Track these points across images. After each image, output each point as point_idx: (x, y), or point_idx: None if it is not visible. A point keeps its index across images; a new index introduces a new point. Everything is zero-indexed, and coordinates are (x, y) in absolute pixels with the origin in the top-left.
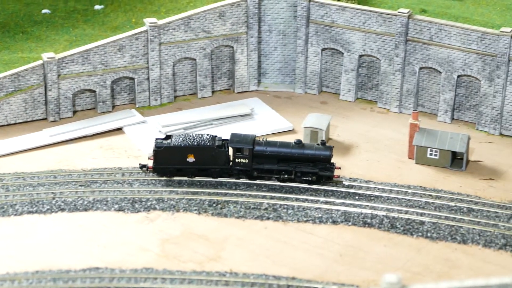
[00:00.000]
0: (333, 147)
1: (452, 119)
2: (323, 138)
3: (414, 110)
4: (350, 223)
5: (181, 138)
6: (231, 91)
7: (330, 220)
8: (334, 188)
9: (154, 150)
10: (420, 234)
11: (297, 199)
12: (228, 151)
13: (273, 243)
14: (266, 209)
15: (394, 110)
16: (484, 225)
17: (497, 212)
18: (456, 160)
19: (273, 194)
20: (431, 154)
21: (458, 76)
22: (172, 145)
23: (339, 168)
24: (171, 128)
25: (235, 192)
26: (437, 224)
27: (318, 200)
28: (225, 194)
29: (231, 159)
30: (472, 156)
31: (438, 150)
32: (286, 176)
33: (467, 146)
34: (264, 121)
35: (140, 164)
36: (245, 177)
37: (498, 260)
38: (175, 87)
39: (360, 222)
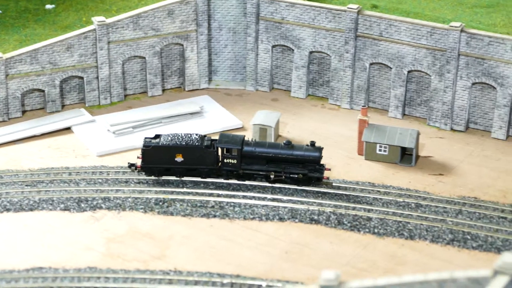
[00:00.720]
0: (323, 148)
1: (403, 114)
2: (272, 135)
3: (363, 106)
4: (297, 220)
5: (169, 137)
6: (181, 89)
7: (277, 217)
8: (281, 186)
9: (142, 149)
10: (367, 230)
11: (244, 197)
12: (216, 151)
13: (218, 241)
14: (212, 207)
15: (345, 107)
16: (432, 220)
17: (445, 208)
18: (406, 156)
19: (220, 192)
20: (380, 150)
21: (409, 72)
22: (160, 144)
23: (329, 170)
24: (119, 127)
25: (181, 190)
26: (384, 220)
27: (265, 198)
28: (172, 193)
29: (220, 159)
30: (422, 151)
31: (387, 146)
32: (275, 177)
33: (416, 142)
34: (213, 119)
35: (128, 163)
36: (234, 177)
37: (445, 256)
38: (125, 86)
39: (307, 219)
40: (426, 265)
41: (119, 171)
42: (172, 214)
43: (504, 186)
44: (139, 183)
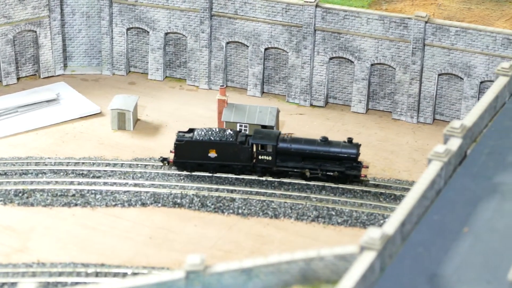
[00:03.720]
0: (360, 145)
1: (262, 92)
2: (131, 119)
3: (221, 86)
4: (159, 205)
5: (203, 132)
6: (37, 76)
7: (139, 202)
8: (144, 170)
9: (175, 144)
10: (231, 211)
11: (105, 183)
12: (251, 147)
13: (81, 230)
14: (73, 195)
15: (204, 87)
16: (296, 198)
17: (308, 184)
18: None
19: (80, 180)
20: (240, 129)
21: (266, 49)
22: (193, 139)
23: (367, 167)
24: None
25: (41, 180)
26: (248, 200)
27: (127, 183)
28: (31, 183)
29: (254, 155)
30: (283, 128)
31: (247, 124)
32: (310, 174)
33: (276, 119)
34: (70, 106)
35: (161, 157)
36: (268, 174)
37: (310, 233)
38: None
39: (170, 203)
40: (292, 243)
41: None
42: (32, 205)
43: (365, 159)
44: None
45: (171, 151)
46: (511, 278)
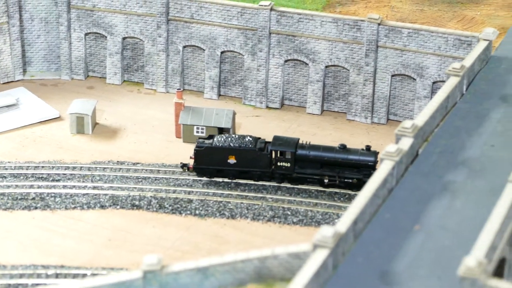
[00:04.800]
0: (378, 152)
1: (219, 95)
2: (89, 123)
3: (178, 89)
4: (118, 207)
5: (223, 139)
6: None
7: (98, 205)
8: (103, 173)
9: (195, 150)
10: (188, 212)
11: (64, 187)
12: (270, 154)
13: (41, 232)
14: (33, 198)
15: (161, 90)
16: (252, 198)
17: (264, 185)
18: None
19: (40, 183)
20: (197, 132)
21: (222, 52)
22: (213, 145)
23: None
24: None
25: (1, 184)
26: (205, 201)
27: (86, 186)
28: None
29: (273, 162)
30: (239, 130)
31: (204, 127)
32: (329, 181)
33: (233, 121)
34: (30, 110)
35: (181, 163)
36: (287, 181)
37: (266, 233)
38: None
39: (129, 205)
40: (249, 243)
41: None
42: None
43: None
44: None
45: (191, 157)
46: (461, 274)
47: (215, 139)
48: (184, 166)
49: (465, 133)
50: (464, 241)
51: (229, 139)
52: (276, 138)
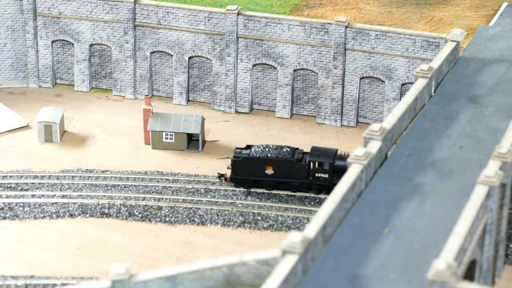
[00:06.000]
0: None
1: (188, 100)
2: (58, 131)
3: (146, 96)
4: (87, 215)
5: (260, 149)
6: None
7: (68, 214)
8: (72, 181)
9: (232, 160)
10: (158, 219)
11: (33, 196)
12: (308, 165)
13: (10, 242)
14: (2, 208)
15: (130, 97)
16: (222, 204)
17: (234, 190)
18: (193, 142)
19: (8, 193)
20: (166, 138)
21: (190, 58)
22: (250, 155)
23: None
24: None
25: None
26: (175, 208)
27: (55, 195)
28: None
29: (311, 173)
30: (209, 136)
31: (173, 133)
32: None
33: (202, 127)
34: None
35: (218, 173)
36: (325, 192)
37: (236, 238)
38: None
39: (98, 213)
40: (219, 249)
41: None
42: None
43: None
44: None
45: (228, 167)
46: (430, 277)
47: (252, 149)
48: (221, 176)
49: (433, 135)
50: (434, 244)
51: (267, 149)
52: (314, 149)
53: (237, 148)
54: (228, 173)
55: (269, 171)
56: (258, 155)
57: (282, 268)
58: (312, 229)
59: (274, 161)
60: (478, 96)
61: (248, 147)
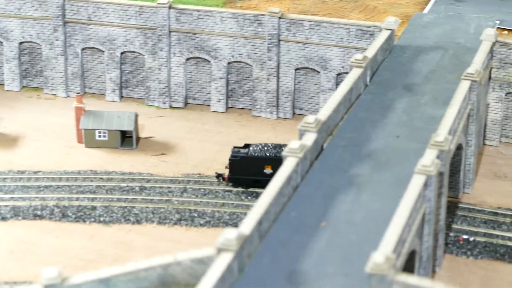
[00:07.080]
0: None
1: (121, 97)
2: None
3: (77, 93)
4: (20, 218)
5: (259, 148)
6: None
7: None
8: (3, 184)
9: (230, 160)
10: (92, 219)
11: None
12: None
13: None
14: None
15: (62, 95)
16: (157, 202)
17: (170, 187)
18: (127, 139)
19: None
20: (99, 136)
21: (122, 53)
22: (249, 155)
23: None
24: None
25: None
26: (109, 207)
27: None
28: None
29: None
30: (143, 132)
31: (106, 131)
32: None
33: (135, 124)
34: None
35: (216, 173)
36: None
37: (173, 236)
38: None
39: (31, 215)
40: (155, 248)
41: None
42: None
43: (227, 158)
44: None
45: (226, 167)
46: (369, 270)
47: (251, 148)
48: (219, 176)
49: (369, 125)
50: (372, 236)
51: (265, 148)
52: None
53: (235, 147)
54: (226, 172)
55: (268, 170)
56: (256, 154)
57: (217, 266)
58: (247, 225)
59: (273, 160)
60: (413, 85)
61: (246, 146)
